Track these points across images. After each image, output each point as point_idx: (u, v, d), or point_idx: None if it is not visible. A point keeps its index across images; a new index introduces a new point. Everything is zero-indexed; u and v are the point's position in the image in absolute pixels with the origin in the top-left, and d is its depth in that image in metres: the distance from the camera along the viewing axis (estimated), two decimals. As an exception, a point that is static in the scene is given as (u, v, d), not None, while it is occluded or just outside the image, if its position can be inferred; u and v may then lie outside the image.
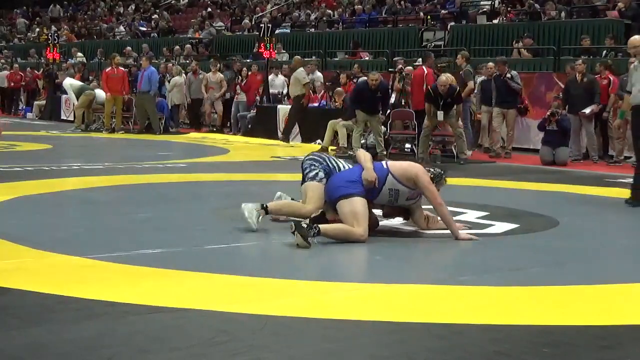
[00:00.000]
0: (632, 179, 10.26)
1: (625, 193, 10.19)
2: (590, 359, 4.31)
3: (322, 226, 7.11)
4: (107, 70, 22.10)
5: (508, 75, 15.90)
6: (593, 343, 4.53)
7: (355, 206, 7.21)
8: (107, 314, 4.84)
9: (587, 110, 15.13)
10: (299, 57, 19.90)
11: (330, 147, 16.21)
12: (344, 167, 7.75)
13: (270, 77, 21.68)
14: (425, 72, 15.93)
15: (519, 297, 5.58)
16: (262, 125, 20.03)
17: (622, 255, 7.31)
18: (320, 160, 7.80)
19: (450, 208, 7.75)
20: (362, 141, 15.18)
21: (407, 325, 4.77)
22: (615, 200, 10.38)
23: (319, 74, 20.57)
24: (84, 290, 5.29)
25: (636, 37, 10.39)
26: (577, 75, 15.49)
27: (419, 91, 15.90)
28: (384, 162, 7.77)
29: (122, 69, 22.32)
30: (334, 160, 7.87)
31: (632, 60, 10.59)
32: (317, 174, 7.65)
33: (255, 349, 4.27)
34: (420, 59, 18.29)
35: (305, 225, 6.95)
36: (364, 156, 7.58)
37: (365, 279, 6.18)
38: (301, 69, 18.65)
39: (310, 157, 7.97)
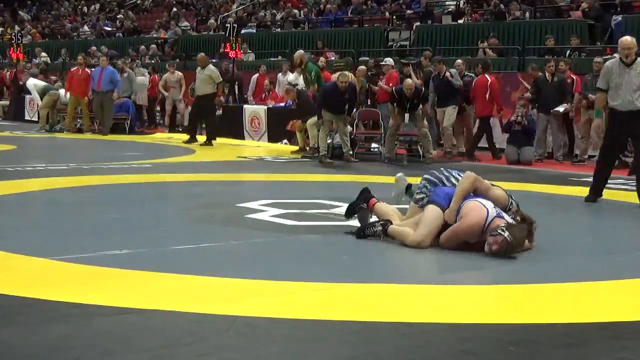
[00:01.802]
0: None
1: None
2: (555, 356, 4.34)
3: (391, 227, 7.27)
4: (72, 70, 21.92)
5: (447, 73, 15.88)
6: (558, 341, 4.56)
7: (426, 212, 7.10)
8: (73, 315, 4.80)
9: (561, 109, 15.22)
10: (203, 54, 19.67)
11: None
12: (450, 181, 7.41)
13: (279, 75, 21.39)
14: (489, 80, 15.88)
15: (486, 296, 5.61)
16: (228, 125, 19.99)
17: (585, 254, 7.37)
18: (435, 180, 7.49)
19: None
20: (329, 140, 15.21)
21: (374, 325, 4.77)
22: (580, 199, 10.44)
23: (291, 75, 20.51)
24: (49, 292, 5.24)
25: (627, 37, 10.26)
26: (547, 74, 15.55)
27: (482, 99, 15.89)
28: (467, 203, 7.03)
29: (87, 70, 22.08)
30: (449, 175, 7.52)
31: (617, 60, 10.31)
32: (422, 198, 7.45)
33: (221, 350, 4.26)
34: (389, 59, 18.29)
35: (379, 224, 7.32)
36: (461, 190, 7.13)
37: (332, 278, 6.18)
38: (212, 67, 18.72)
39: (427, 177, 7.63)
